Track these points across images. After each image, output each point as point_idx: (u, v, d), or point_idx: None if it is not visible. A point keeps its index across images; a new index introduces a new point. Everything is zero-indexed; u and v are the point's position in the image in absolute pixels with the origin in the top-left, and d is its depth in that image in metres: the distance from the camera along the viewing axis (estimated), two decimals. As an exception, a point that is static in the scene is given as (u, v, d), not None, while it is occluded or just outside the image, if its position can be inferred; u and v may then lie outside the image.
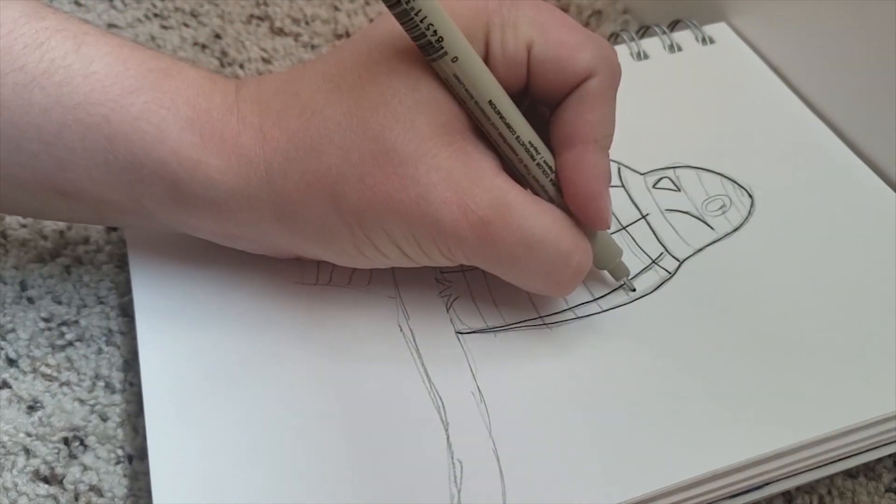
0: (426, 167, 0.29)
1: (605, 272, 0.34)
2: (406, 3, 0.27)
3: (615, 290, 0.34)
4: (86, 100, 0.30)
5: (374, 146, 0.29)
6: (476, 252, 0.30)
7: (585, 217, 0.31)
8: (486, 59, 0.30)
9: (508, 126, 0.30)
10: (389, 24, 0.29)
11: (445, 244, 0.30)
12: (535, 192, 0.31)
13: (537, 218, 0.30)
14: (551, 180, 0.31)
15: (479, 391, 0.31)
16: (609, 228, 0.32)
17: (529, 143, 0.31)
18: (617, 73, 0.31)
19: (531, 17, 0.30)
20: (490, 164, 0.30)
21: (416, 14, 0.28)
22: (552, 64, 0.30)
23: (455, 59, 0.29)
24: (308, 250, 0.32)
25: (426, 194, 0.29)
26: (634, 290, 0.34)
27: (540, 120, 0.32)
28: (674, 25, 0.45)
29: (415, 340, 0.33)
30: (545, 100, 0.31)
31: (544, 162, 0.31)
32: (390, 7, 0.28)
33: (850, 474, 0.33)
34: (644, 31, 0.45)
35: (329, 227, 0.30)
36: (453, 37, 0.28)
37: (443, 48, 0.28)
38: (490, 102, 0.29)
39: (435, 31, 0.28)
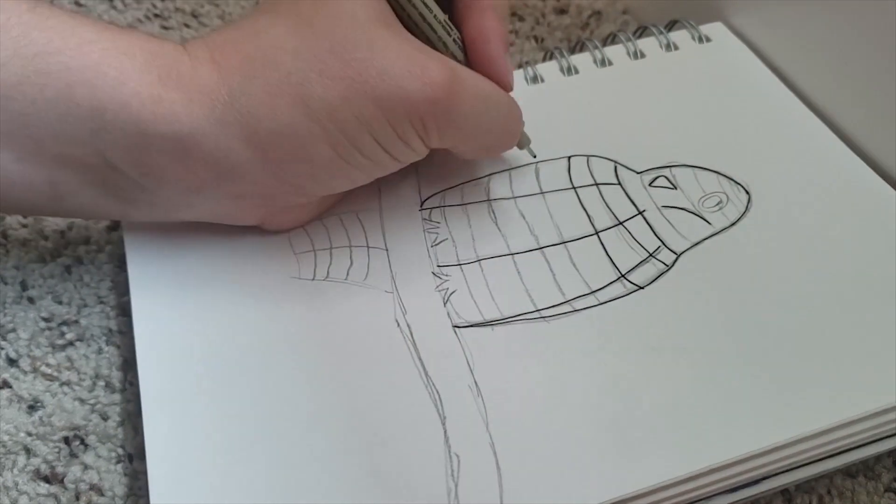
0: (379, 46, 0.31)
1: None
2: None
3: (531, 149, 0.38)
4: (44, 49, 0.30)
5: (325, 42, 0.31)
6: (445, 116, 0.32)
7: (490, 78, 0.34)
8: None
9: (426, 5, 0.33)
10: None
11: (417, 115, 0.31)
12: None
13: (478, 78, 0.33)
14: (463, 52, 0.35)
15: (477, 385, 0.31)
16: (512, 90, 0.35)
17: (445, 20, 0.34)
18: None
19: None
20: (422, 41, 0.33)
21: None
22: None
23: None
24: (283, 171, 0.32)
25: (388, 69, 0.31)
26: (535, 156, 0.38)
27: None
28: (671, 25, 0.45)
29: (412, 334, 0.33)
30: None
31: (458, 38, 0.34)
32: None
33: (849, 474, 0.33)
34: (641, 31, 0.45)
35: (302, 134, 0.31)
36: None
37: None
38: None
39: None
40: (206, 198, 0.33)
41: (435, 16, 0.33)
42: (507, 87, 0.35)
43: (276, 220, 0.35)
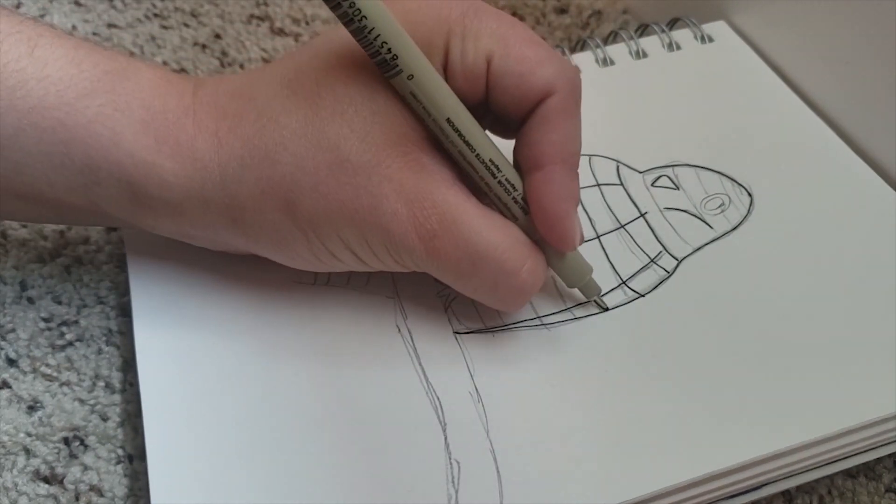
0: (379, 178, 0.29)
1: (577, 290, 0.34)
2: (359, 20, 0.27)
3: (600, 298, 0.34)
4: (40, 104, 0.30)
5: (328, 156, 0.29)
6: (425, 263, 0.30)
7: (552, 238, 0.31)
8: (445, 70, 0.30)
9: (468, 144, 0.30)
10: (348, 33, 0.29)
11: (397, 252, 0.30)
12: (499, 210, 0.31)
13: (485, 234, 0.30)
14: (513, 198, 0.31)
15: (477, 391, 0.31)
16: (575, 249, 0.32)
17: (490, 160, 0.30)
18: (577, 90, 0.31)
19: (493, 30, 0.30)
20: (445, 177, 0.30)
21: (370, 32, 0.28)
22: (512, 78, 0.30)
23: (411, 77, 0.29)
24: (263, 252, 0.32)
25: (378, 205, 0.29)
26: (607, 308, 0.34)
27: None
28: (673, 24, 0.45)
29: (413, 340, 0.33)
30: (506, 115, 0.31)
31: (506, 180, 0.31)
32: (345, 24, 0.28)
33: (850, 474, 0.33)
34: (643, 29, 0.45)
35: (283, 233, 0.31)
36: (408, 54, 0.28)
37: (398, 66, 0.28)
38: (448, 120, 0.29)
39: (389, 49, 0.28)
40: (201, 242, 0.34)
41: (477, 155, 0.30)
42: (570, 247, 0.31)
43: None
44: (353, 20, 0.27)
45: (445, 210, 0.30)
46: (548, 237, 0.31)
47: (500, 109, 0.31)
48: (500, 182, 0.31)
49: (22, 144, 0.30)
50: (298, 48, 0.43)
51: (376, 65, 0.29)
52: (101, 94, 0.30)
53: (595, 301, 0.34)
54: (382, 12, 0.28)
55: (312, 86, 0.30)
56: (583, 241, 0.32)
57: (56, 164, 0.30)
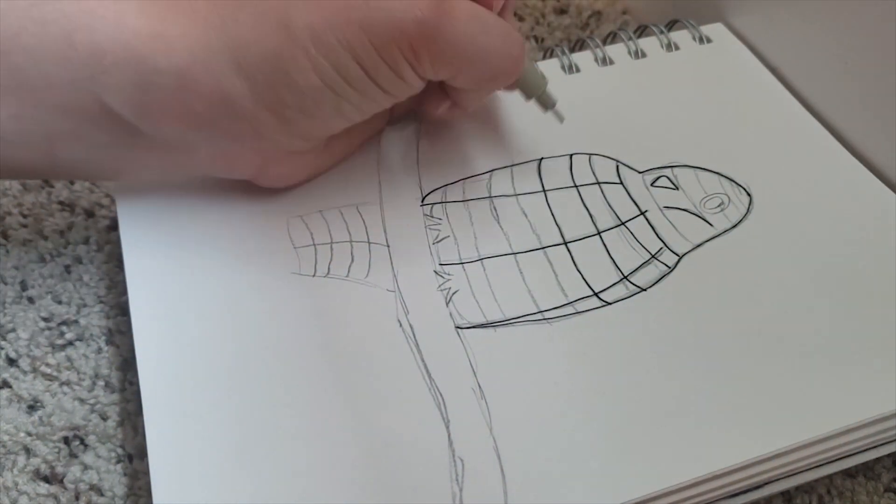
0: None
1: (534, 101, 0.36)
2: None
3: (557, 110, 0.37)
4: None
5: None
6: (436, 38, 0.31)
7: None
8: None
9: None
10: None
11: (406, 39, 0.30)
12: None
13: (473, 2, 0.32)
14: None
15: (480, 387, 0.31)
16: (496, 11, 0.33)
17: None
18: None
19: None
20: None
21: None
22: None
23: None
24: (272, 101, 0.32)
25: None
26: (563, 120, 0.37)
27: None
28: (671, 25, 0.45)
29: (414, 335, 0.33)
30: None
31: None
32: None
33: (849, 474, 0.33)
34: (642, 30, 0.45)
35: (286, 60, 0.30)
36: None
37: None
38: None
39: None
40: (203, 139, 0.33)
41: None
42: (489, 7, 0.33)
43: (270, 171, 0.35)
44: None
45: None
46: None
47: None
48: None
49: (24, 43, 0.30)
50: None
51: None
52: None
53: (553, 112, 0.37)
54: None
55: None
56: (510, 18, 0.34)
57: (60, 58, 0.30)
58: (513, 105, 0.40)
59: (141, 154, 0.33)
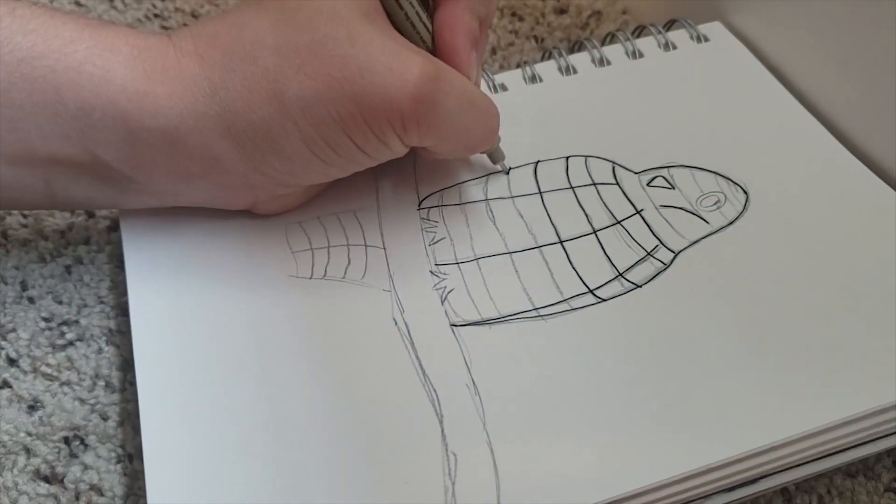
0: (362, 43, 0.30)
1: (484, 156, 0.37)
2: None
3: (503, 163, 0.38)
4: (28, 55, 0.30)
5: (306, 38, 0.30)
6: (427, 115, 0.31)
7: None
8: None
9: (410, 3, 0.33)
10: None
11: (398, 114, 0.31)
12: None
13: (460, 77, 0.33)
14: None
15: (474, 384, 0.31)
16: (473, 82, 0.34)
17: (425, 16, 0.34)
18: None
19: None
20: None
21: None
22: None
23: None
24: (260, 164, 0.32)
25: (369, 66, 0.30)
26: (508, 172, 0.38)
27: None
28: (670, 25, 0.45)
29: (409, 333, 0.33)
30: None
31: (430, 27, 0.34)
32: None
33: (849, 474, 0.33)
34: (640, 30, 0.45)
35: (276, 129, 0.31)
36: None
37: None
38: None
39: None
40: (195, 187, 0.34)
41: (417, 13, 0.33)
42: (470, 78, 0.34)
43: (265, 206, 0.36)
44: None
45: (429, 59, 0.31)
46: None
47: None
48: (428, 30, 0.34)
49: (14, 99, 0.30)
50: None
51: None
52: (86, 40, 0.31)
53: (501, 165, 0.38)
54: None
55: None
56: (479, 82, 0.35)
57: (49, 113, 0.31)
58: (509, 109, 0.40)
59: (137, 196, 0.34)
